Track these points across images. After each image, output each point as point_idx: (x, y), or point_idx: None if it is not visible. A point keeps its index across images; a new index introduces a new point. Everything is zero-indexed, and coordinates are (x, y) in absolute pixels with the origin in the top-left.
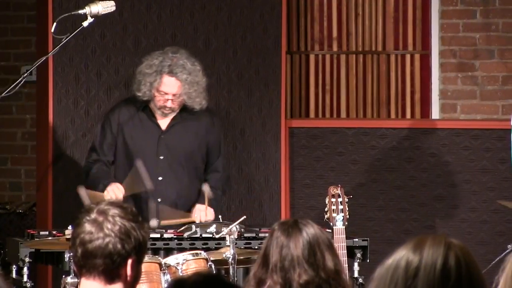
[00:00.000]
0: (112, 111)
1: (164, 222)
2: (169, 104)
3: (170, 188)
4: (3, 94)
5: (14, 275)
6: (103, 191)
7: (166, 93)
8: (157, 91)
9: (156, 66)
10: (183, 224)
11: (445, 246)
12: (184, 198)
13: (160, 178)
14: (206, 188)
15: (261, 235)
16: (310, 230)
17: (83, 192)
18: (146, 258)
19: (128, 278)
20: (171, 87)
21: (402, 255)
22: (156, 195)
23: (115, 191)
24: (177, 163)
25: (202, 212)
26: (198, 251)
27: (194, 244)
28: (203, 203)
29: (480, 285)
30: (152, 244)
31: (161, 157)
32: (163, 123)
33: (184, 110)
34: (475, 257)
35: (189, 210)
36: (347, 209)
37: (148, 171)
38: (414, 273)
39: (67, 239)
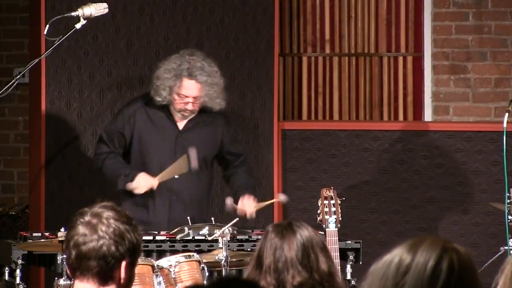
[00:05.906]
0: (128, 106)
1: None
2: (189, 107)
3: (185, 187)
4: None
5: (6, 277)
6: (125, 182)
7: (186, 96)
8: (177, 95)
9: (175, 70)
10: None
11: (441, 249)
12: (198, 196)
13: (176, 177)
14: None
15: (253, 237)
16: (304, 232)
17: (193, 153)
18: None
19: (122, 280)
20: (191, 90)
21: (397, 253)
22: (172, 193)
23: (148, 181)
24: None
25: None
26: (191, 253)
27: (186, 246)
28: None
29: None
30: (144, 246)
31: (178, 156)
32: (181, 123)
33: (200, 111)
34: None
35: (201, 208)
36: (339, 211)
37: (165, 169)
38: (404, 271)
39: (60, 241)
